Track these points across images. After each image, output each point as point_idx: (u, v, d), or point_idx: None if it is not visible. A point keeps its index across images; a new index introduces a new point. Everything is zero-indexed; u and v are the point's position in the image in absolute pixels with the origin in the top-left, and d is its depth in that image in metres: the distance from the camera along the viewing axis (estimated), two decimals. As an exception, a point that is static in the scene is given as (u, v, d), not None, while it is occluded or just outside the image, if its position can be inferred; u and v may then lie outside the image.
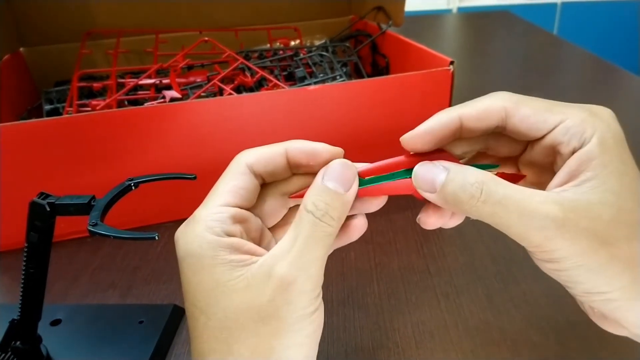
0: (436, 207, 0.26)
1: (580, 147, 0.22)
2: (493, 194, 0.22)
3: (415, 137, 0.25)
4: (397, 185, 0.26)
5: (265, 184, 0.27)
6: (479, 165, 0.25)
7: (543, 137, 0.24)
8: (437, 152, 0.26)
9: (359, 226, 0.27)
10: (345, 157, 0.26)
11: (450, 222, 0.27)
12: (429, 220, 0.27)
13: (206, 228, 0.24)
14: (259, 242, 0.27)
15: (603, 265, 0.21)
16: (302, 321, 0.23)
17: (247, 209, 0.26)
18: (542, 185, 0.24)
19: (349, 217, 0.27)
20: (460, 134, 0.26)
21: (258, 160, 0.26)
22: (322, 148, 0.26)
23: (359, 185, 0.26)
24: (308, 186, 0.25)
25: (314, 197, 0.24)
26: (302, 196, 0.25)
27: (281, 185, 0.28)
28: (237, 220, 0.25)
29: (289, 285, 0.23)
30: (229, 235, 0.24)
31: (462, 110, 0.25)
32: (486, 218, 0.23)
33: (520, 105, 0.24)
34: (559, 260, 0.22)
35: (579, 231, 0.21)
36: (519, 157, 0.27)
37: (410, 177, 0.25)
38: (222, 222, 0.24)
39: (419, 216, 0.27)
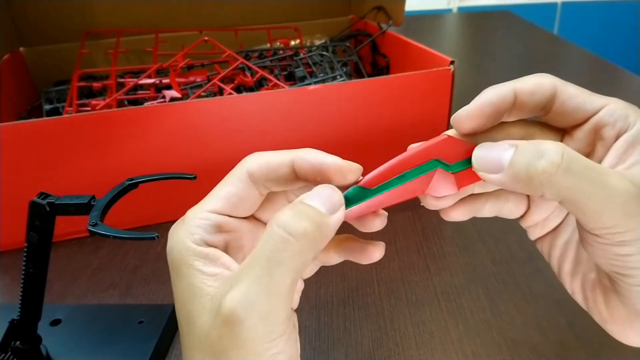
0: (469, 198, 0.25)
1: (626, 131, 0.22)
2: (575, 161, 0.20)
3: (474, 112, 0.23)
4: (407, 189, 0.23)
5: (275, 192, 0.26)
6: None
7: (586, 121, 0.23)
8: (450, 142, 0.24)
9: (375, 255, 0.25)
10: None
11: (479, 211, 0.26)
12: (453, 213, 0.26)
13: (188, 233, 0.22)
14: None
15: None
16: None
17: (243, 217, 0.25)
18: None
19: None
20: (509, 113, 0.24)
21: (260, 169, 0.23)
22: (331, 163, 0.23)
23: (361, 200, 0.23)
24: None
25: (288, 211, 0.21)
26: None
27: (292, 193, 0.26)
28: (223, 229, 0.23)
29: (235, 325, 0.19)
30: (208, 244, 0.22)
31: (515, 84, 0.23)
32: (561, 192, 0.20)
33: (566, 85, 0.23)
34: (630, 243, 0.20)
35: None
36: None
37: (423, 175, 0.23)
38: (203, 230, 0.22)
39: (441, 209, 0.25)
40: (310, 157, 0.23)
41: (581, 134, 0.24)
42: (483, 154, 0.22)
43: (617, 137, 0.22)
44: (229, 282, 0.20)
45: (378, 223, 0.25)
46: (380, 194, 0.23)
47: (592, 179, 0.20)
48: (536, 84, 0.23)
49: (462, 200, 0.26)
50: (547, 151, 0.20)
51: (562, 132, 0.25)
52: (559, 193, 0.20)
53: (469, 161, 0.23)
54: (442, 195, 0.24)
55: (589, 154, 0.24)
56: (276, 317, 0.20)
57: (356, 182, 0.23)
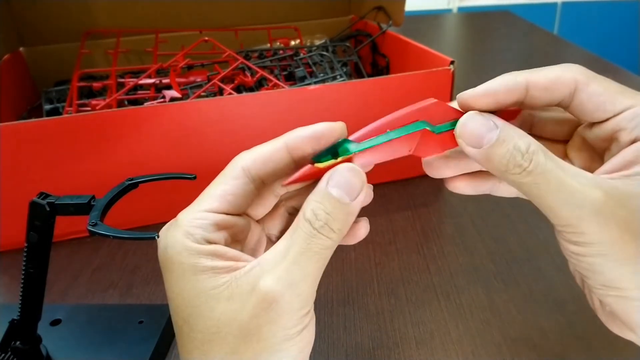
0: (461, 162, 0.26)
1: None
2: (540, 165, 0.21)
3: (474, 97, 0.23)
4: (391, 147, 0.24)
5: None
6: None
7: (606, 120, 0.22)
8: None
9: (361, 232, 0.25)
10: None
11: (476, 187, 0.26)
12: (459, 185, 0.26)
13: (186, 234, 0.22)
14: (249, 244, 0.26)
15: (629, 259, 0.20)
16: (287, 342, 0.22)
17: (238, 213, 0.25)
18: (590, 171, 0.23)
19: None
20: (520, 104, 0.23)
21: (255, 162, 0.24)
22: (323, 128, 0.23)
23: (348, 153, 0.23)
24: (303, 173, 0.23)
25: (314, 204, 0.22)
26: (297, 181, 0.24)
27: (280, 181, 0.26)
28: (222, 227, 0.23)
29: (273, 302, 0.21)
30: (210, 242, 0.23)
31: (529, 76, 0.22)
32: (521, 187, 0.21)
33: (592, 81, 0.22)
34: (585, 245, 0.21)
35: (614, 219, 0.20)
36: (570, 140, 0.26)
37: (407, 134, 0.23)
38: (203, 229, 0.22)
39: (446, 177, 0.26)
40: (299, 132, 0.24)
41: (599, 130, 0.23)
42: (469, 126, 0.23)
43: (632, 143, 0.22)
44: (259, 268, 0.22)
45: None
46: (364, 149, 0.24)
47: (550, 181, 0.21)
48: (554, 80, 0.22)
49: (470, 174, 0.26)
50: (517, 153, 0.21)
51: (572, 125, 0.25)
52: (517, 187, 0.22)
53: (454, 124, 0.24)
54: (426, 157, 0.25)
55: (604, 150, 0.24)
56: (307, 297, 0.22)
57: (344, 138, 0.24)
